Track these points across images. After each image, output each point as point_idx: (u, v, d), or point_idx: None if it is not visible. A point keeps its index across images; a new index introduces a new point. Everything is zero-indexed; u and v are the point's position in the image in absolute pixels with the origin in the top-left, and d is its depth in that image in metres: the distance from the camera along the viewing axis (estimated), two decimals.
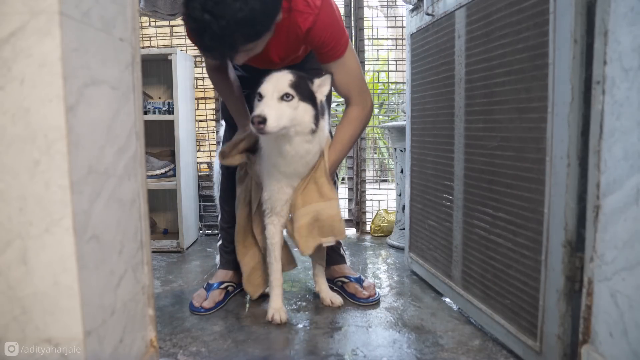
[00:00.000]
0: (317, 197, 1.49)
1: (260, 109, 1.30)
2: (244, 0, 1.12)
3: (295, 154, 1.42)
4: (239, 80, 1.67)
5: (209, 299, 1.63)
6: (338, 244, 1.83)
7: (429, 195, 1.78)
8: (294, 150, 1.41)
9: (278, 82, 1.34)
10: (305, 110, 1.36)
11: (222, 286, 1.70)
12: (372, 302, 1.66)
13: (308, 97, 1.38)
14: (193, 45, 1.59)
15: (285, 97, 1.33)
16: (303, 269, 2.05)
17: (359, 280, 1.74)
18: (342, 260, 1.83)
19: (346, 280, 1.74)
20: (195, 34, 1.20)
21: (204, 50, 1.27)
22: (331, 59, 1.46)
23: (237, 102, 1.62)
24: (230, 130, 1.71)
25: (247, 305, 1.69)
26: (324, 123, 1.47)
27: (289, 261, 1.70)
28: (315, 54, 1.50)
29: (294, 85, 1.34)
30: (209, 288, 1.70)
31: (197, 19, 1.14)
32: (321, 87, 1.42)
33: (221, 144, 1.82)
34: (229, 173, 1.76)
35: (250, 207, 1.65)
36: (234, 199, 1.73)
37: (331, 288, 1.70)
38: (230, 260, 1.78)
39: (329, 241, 1.52)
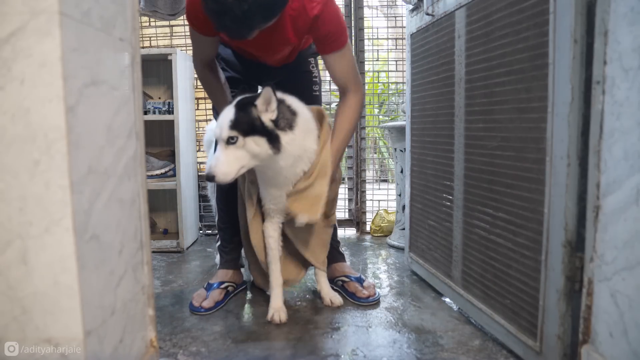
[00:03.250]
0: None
1: (209, 164, 1.35)
2: None
3: (273, 172, 1.44)
4: (228, 81, 1.68)
5: (209, 299, 1.63)
6: (337, 243, 1.85)
7: (429, 195, 1.78)
8: (271, 170, 1.44)
9: (222, 127, 1.34)
10: (254, 144, 1.33)
11: (222, 286, 1.70)
12: (372, 302, 1.65)
13: (252, 129, 1.33)
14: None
15: (230, 140, 1.33)
16: None
17: (360, 280, 1.75)
18: (342, 258, 1.84)
19: (347, 279, 1.75)
20: (216, 14, 1.22)
21: (222, 30, 1.28)
22: (333, 50, 1.48)
23: (225, 101, 1.61)
24: None
25: (247, 305, 1.69)
26: (293, 134, 1.38)
27: (295, 272, 1.70)
28: (317, 44, 1.51)
29: (234, 125, 1.32)
30: (209, 288, 1.70)
31: (220, 1, 1.18)
32: (267, 104, 1.35)
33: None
34: None
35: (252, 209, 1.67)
36: (230, 200, 1.74)
37: (331, 287, 1.71)
38: (230, 260, 1.79)
39: (302, 219, 1.48)
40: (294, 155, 1.40)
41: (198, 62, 1.58)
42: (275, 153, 1.36)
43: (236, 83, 1.71)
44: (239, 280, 1.79)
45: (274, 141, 1.35)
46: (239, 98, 1.40)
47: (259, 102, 1.35)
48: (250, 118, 1.34)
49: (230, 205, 1.74)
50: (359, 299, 1.67)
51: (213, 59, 1.60)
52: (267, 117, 1.36)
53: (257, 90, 1.76)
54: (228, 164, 1.33)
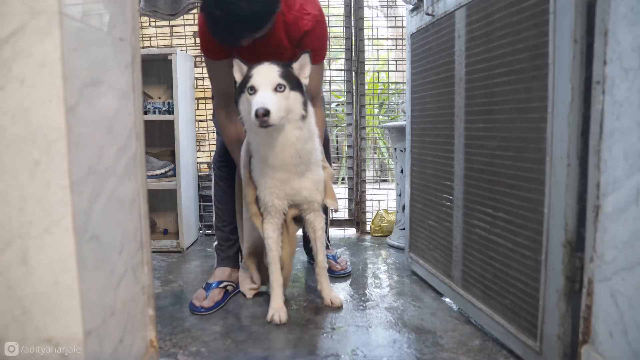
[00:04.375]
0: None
1: (261, 101, 1.31)
2: (248, 2, 1.29)
3: (286, 141, 1.42)
4: None
5: (209, 299, 1.63)
6: (325, 234, 1.96)
7: (429, 195, 1.78)
8: (285, 139, 1.42)
9: (269, 74, 1.38)
10: (295, 99, 1.40)
11: (222, 285, 1.71)
12: (343, 275, 1.96)
13: (296, 85, 1.42)
14: (193, 45, 1.63)
15: (278, 88, 1.37)
16: (303, 269, 2.06)
17: (334, 258, 2.03)
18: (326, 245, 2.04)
19: None
20: (209, 24, 1.37)
21: (215, 37, 1.42)
22: (314, 62, 1.53)
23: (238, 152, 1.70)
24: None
25: (247, 305, 1.69)
26: (311, 109, 1.49)
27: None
28: None
29: (284, 75, 1.38)
30: (208, 288, 1.70)
31: (211, 13, 1.32)
32: (302, 69, 1.45)
33: (217, 148, 1.88)
34: (221, 174, 1.78)
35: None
36: (227, 199, 1.77)
37: (310, 263, 1.74)
38: (227, 258, 1.81)
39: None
40: (310, 127, 1.47)
41: (219, 100, 1.68)
42: (304, 116, 1.43)
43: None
44: (237, 279, 1.79)
45: (305, 104, 1.43)
46: (266, 62, 1.42)
47: (295, 66, 1.44)
48: (294, 74, 1.43)
49: (228, 203, 1.76)
50: (333, 272, 1.94)
51: (231, 95, 1.62)
52: (302, 81, 1.45)
53: None
54: (278, 105, 1.34)
